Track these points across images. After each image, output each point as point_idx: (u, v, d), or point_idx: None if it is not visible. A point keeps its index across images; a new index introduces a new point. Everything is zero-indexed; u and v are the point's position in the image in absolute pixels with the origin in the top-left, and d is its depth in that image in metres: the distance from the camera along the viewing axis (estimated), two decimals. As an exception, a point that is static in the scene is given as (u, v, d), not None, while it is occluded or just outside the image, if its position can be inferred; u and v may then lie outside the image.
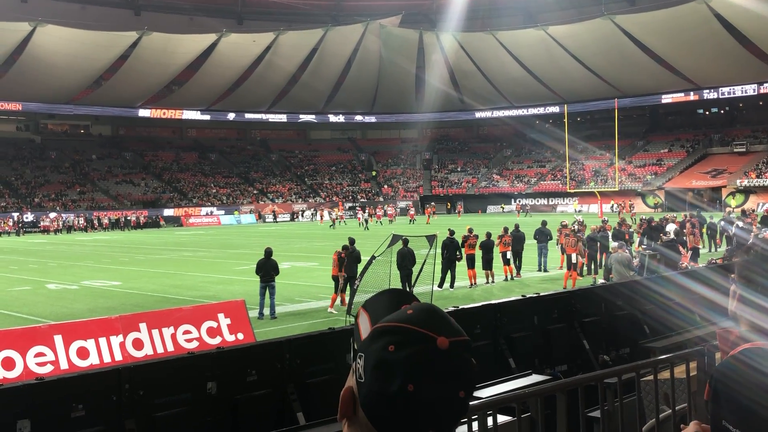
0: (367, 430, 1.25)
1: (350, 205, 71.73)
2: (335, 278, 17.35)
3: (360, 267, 17.12)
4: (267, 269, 16.46)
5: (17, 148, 71.91)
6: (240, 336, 12.55)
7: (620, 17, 65.15)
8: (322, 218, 59.73)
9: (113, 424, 5.57)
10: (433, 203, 69.38)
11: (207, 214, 68.97)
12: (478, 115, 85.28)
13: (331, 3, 76.67)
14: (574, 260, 20.31)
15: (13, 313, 17.26)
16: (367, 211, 57.99)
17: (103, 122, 78.19)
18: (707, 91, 70.90)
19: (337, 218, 57.23)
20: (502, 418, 4.70)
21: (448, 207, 76.71)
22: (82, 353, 11.07)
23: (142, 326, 11.76)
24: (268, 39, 70.91)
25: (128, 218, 61.77)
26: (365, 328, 1.32)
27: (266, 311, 16.26)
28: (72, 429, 5.41)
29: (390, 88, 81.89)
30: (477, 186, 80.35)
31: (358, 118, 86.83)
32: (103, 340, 11.31)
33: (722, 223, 29.39)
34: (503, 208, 73.10)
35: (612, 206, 59.58)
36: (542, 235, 23.91)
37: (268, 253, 16.74)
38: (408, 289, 15.04)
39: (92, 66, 66.37)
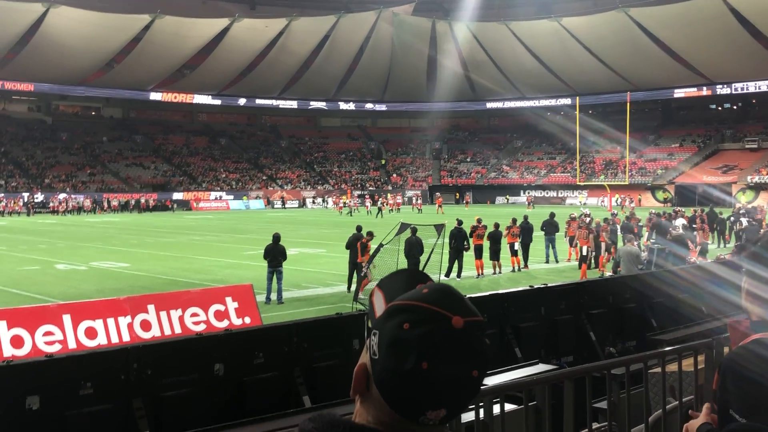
0: (380, 407, 1.26)
1: (359, 193, 71.77)
2: (360, 264, 17.27)
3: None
4: (275, 254, 16.50)
5: (29, 129, 72.17)
6: (247, 320, 12.61)
7: (635, 10, 64.65)
8: (337, 206, 59.27)
9: (121, 402, 5.62)
10: (437, 194, 69.26)
11: (216, 199, 69.14)
12: (489, 105, 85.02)
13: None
14: (584, 252, 20.29)
15: (22, 292, 17.38)
16: (380, 200, 58.20)
17: (114, 105, 78.35)
18: (720, 86, 70.43)
19: (352, 207, 57.17)
20: (507, 407, 4.71)
21: (457, 197, 76.59)
22: (90, 333, 11.15)
23: (150, 308, 11.83)
24: (281, 25, 70.78)
25: (138, 201, 62.01)
26: (380, 306, 1.33)
27: (273, 296, 16.32)
28: (80, 406, 5.46)
29: (401, 77, 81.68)
30: (486, 177, 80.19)
31: (369, 106, 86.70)
32: (111, 321, 11.38)
33: (731, 219, 29.28)
34: (507, 200, 72.88)
35: (617, 199, 59.44)
36: (551, 227, 23.88)
37: (276, 238, 16.78)
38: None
39: (104, 48, 66.46)
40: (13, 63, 64.33)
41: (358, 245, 17.35)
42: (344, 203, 58.90)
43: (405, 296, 1.30)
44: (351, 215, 51.14)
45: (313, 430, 1.26)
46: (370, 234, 17.62)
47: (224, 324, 12.07)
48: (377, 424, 1.27)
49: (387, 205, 57.81)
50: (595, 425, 5.11)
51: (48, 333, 10.79)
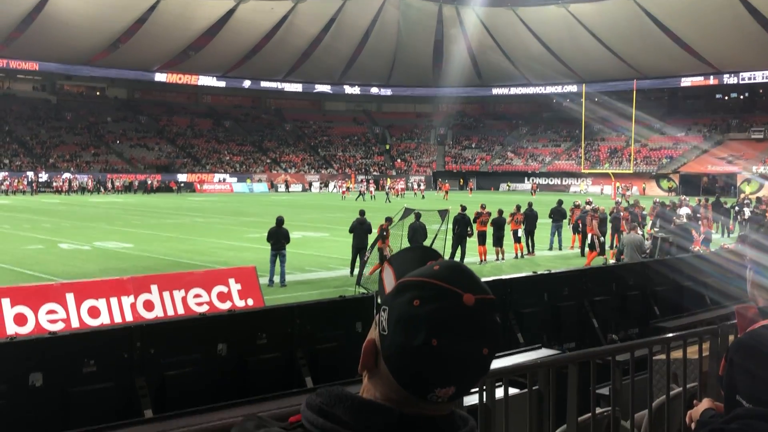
0: (388, 383, 1.25)
1: (362, 177, 71.72)
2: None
3: (371, 239, 17.17)
4: (278, 237, 16.50)
5: (33, 108, 72.11)
6: (250, 302, 12.63)
7: (643, -2, 64.31)
8: (341, 190, 58.99)
9: (124, 380, 5.63)
10: (444, 180, 69.16)
11: (220, 181, 69.15)
12: (495, 91, 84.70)
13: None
14: (590, 240, 20.32)
15: (25, 270, 17.42)
16: (387, 184, 58.46)
17: (118, 85, 78.22)
18: (727, 75, 70.06)
19: (363, 191, 56.78)
20: (510, 391, 4.71)
21: (461, 183, 76.50)
22: (93, 312, 11.18)
23: (154, 288, 11.85)
24: (287, 7, 70.45)
25: (142, 182, 62.04)
26: (389, 282, 1.32)
27: (276, 279, 16.34)
28: (83, 384, 5.47)
29: (407, 61, 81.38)
30: (490, 163, 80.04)
31: (374, 90, 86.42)
32: (114, 300, 11.41)
33: (735, 208, 29.20)
34: (509, 186, 72.76)
35: (617, 187, 59.39)
36: (558, 214, 23.84)
37: (280, 221, 16.77)
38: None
39: (109, 28, 66.25)
40: (18, 42, 64.18)
41: (378, 231, 17.12)
42: (347, 188, 58.85)
43: (416, 272, 1.28)
44: (364, 200, 50.06)
45: (320, 404, 1.25)
46: (389, 219, 17.47)
47: (227, 305, 12.10)
48: (385, 401, 1.25)
49: (392, 190, 57.78)
50: (597, 410, 5.11)
51: (51, 311, 10.82)
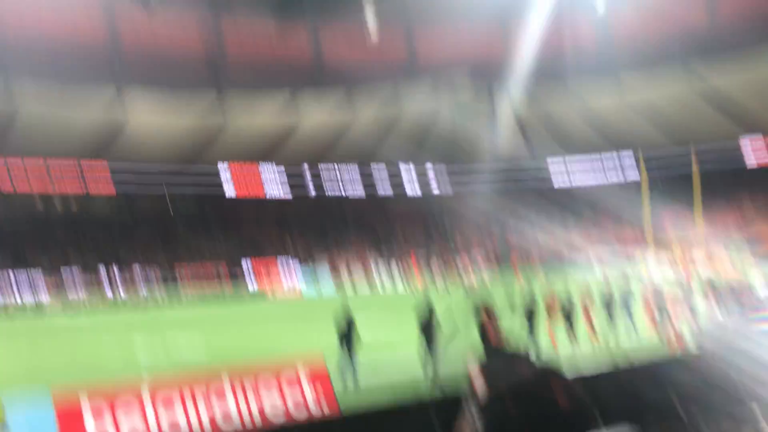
0: None
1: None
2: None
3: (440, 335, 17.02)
4: (348, 339, 16.56)
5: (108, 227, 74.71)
6: (326, 410, 12.59)
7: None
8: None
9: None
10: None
11: (284, 272, 69.43)
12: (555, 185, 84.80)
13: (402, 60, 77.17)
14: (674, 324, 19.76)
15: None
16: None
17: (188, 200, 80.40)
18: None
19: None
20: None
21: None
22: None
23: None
24: (347, 116, 72.94)
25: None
26: (480, 386, 1.40)
27: (349, 382, 16.27)
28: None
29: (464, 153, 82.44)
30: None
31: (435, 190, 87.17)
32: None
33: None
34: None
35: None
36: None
37: (350, 321, 16.86)
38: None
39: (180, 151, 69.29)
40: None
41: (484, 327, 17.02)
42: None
43: (506, 381, 1.36)
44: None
45: None
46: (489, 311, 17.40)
47: (303, 413, 12.08)
48: None
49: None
50: None
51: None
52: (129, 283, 61.74)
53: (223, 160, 73.23)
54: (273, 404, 12.16)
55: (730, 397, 9.86)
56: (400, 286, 68.46)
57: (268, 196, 78.19)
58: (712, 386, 10.10)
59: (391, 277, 73.23)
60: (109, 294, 60.12)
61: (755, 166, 71.58)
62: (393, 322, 30.83)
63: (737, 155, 72.28)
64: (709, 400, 9.97)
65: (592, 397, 8.51)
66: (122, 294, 60.58)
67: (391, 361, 20.07)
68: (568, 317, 20.81)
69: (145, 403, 11.50)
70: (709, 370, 10.19)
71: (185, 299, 58.91)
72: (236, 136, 70.89)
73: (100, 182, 67.63)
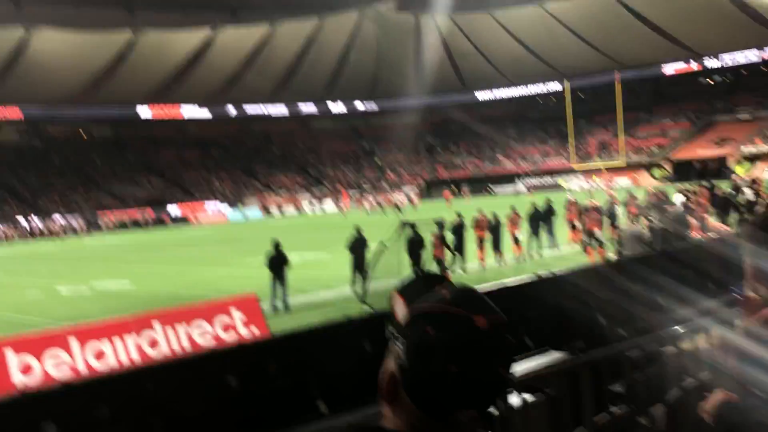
0: (410, 411, 1.29)
1: (353, 192, 71.79)
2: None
3: (368, 254, 17.15)
4: (277, 261, 16.49)
5: (20, 156, 71.90)
6: (255, 330, 12.58)
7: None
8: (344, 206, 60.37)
9: (140, 425, 5.58)
10: (445, 189, 69.16)
11: (212, 212, 68.99)
12: (479, 96, 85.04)
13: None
14: (597, 235, 20.37)
15: (26, 316, 17.34)
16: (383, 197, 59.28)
17: (103, 123, 77.99)
18: (708, 58, 70.47)
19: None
20: (526, 397, 4.70)
21: (454, 191, 76.59)
22: (99, 355, 11.12)
23: (156, 325, 11.80)
24: (265, 30, 70.69)
25: (134, 219, 62.00)
26: (401, 312, 1.36)
27: (278, 303, 16.29)
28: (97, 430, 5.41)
29: (389, 74, 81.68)
30: (482, 168, 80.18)
31: (360, 106, 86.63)
32: (118, 341, 11.35)
33: (732, 192, 29.18)
34: (491, 190, 72.83)
35: (593, 181, 59.85)
36: (547, 213, 23.94)
37: (277, 245, 16.76)
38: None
39: (89, 69, 66.33)
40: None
41: (433, 240, 18.01)
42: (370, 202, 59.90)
43: (426, 300, 1.31)
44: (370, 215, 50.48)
45: None
46: (439, 224, 18.54)
47: (232, 336, 12.04)
48: (409, 428, 1.29)
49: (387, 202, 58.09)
50: (612, 409, 5.09)
51: (56, 357, 10.76)
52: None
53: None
54: (201, 329, 12.05)
55: (650, 306, 10.27)
56: (327, 207, 68.53)
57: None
58: (631, 295, 10.49)
59: (319, 198, 73.23)
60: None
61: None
62: (321, 242, 30.95)
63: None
64: (628, 309, 10.37)
65: (515, 305, 8.72)
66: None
67: (321, 280, 20.17)
68: (494, 231, 21.27)
69: (69, 335, 11.22)
70: (628, 278, 10.56)
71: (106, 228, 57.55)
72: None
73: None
